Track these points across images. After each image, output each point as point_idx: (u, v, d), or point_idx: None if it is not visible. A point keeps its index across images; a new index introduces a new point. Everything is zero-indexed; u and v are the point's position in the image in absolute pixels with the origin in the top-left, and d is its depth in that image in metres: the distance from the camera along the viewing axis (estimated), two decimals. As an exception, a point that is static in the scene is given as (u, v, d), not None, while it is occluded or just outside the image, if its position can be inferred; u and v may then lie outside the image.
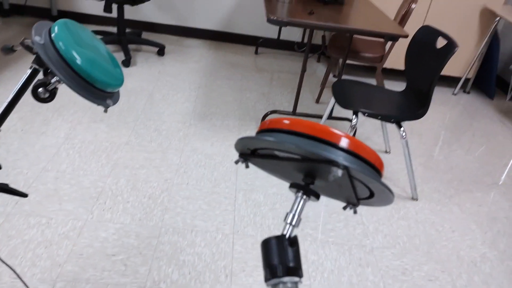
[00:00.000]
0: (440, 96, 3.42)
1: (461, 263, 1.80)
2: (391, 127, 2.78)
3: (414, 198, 2.13)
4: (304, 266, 1.66)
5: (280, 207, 1.95)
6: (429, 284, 1.67)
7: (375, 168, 0.44)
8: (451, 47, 1.86)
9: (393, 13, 3.25)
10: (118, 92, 0.97)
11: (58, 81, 0.83)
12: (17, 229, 1.62)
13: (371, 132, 2.72)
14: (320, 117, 2.72)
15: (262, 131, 0.48)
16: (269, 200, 1.98)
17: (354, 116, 2.02)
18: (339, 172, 0.40)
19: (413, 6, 2.58)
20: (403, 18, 2.64)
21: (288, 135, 0.42)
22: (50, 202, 1.78)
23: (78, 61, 0.81)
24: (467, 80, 3.52)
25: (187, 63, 3.30)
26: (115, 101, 0.93)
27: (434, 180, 2.32)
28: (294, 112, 2.64)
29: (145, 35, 3.72)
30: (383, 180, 2.24)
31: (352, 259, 1.73)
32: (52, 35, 0.82)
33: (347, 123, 2.76)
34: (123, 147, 2.20)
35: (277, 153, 0.46)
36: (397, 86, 3.48)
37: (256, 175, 2.13)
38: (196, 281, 1.53)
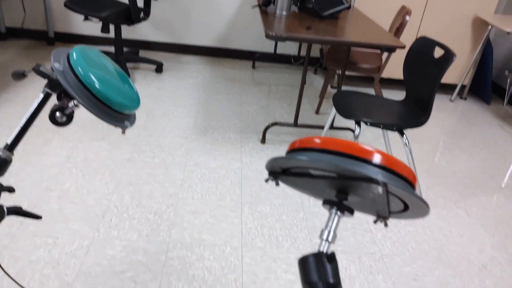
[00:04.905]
0: (437, 103, 3.45)
1: (471, 267, 1.79)
2: (392, 135, 2.79)
3: (419, 204, 2.13)
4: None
5: (287, 218, 1.93)
6: (442, 290, 1.65)
7: (409, 182, 0.44)
8: (449, 56, 1.88)
9: (387, 25, 3.30)
10: (134, 114, 0.98)
11: (75, 105, 0.85)
12: (24, 250, 1.60)
13: (372, 140, 2.73)
14: (322, 127, 2.73)
15: (292, 151, 0.48)
16: (275, 211, 1.97)
17: (356, 126, 2.04)
18: (379, 189, 0.40)
19: (407, 17, 2.62)
20: (398, 29, 2.68)
21: (322, 154, 0.41)
22: (55, 221, 1.76)
23: (97, 84, 0.83)
24: (463, 86, 3.56)
25: (185, 79, 3.32)
26: (132, 122, 0.95)
27: (438, 186, 2.32)
28: (295, 124, 2.65)
29: (143, 53, 3.75)
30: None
31: (362, 267, 1.72)
32: (71, 61, 0.84)
33: (349, 133, 2.77)
34: (126, 164, 2.19)
35: (311, 171, 0.45)
36: (395, 95, 3.52)
37: (260, 188, 2.12)
38: (207, 296, 1.51)
